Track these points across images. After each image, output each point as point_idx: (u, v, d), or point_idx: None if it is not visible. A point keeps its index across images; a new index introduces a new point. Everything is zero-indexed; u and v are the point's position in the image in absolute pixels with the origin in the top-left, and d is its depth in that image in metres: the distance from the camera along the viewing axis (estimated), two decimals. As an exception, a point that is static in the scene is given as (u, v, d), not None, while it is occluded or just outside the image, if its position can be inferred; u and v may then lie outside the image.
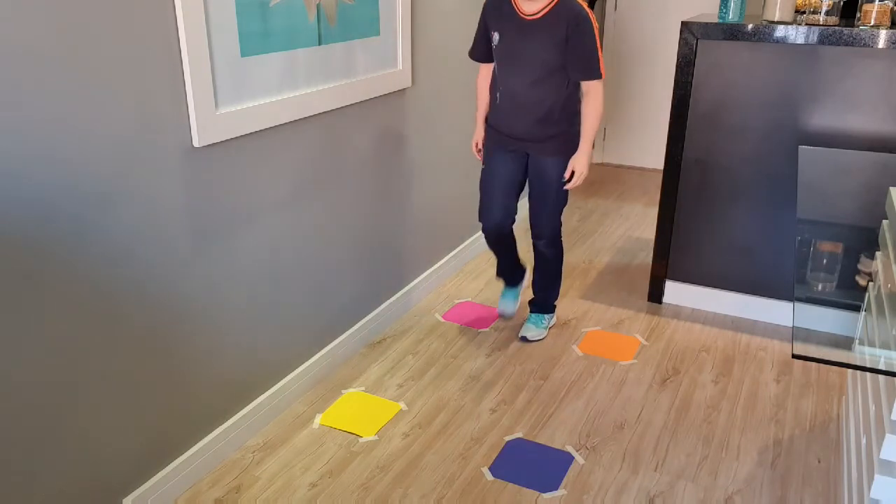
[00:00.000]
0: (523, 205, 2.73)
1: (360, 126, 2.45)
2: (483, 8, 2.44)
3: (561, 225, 2.60)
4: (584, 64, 2.32)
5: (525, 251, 2.80)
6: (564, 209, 2.57)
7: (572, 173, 2.42)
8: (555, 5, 2.27)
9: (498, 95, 2.45)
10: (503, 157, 2.51)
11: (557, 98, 2.37)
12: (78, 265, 1.58)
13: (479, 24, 2.46)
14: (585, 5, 2.28)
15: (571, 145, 2.44)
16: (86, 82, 1.52)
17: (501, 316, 2.86)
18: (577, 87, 2.41)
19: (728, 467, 2.09)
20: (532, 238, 2.63)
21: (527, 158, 2.51)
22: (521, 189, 2.59)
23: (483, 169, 2.58)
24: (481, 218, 2.61)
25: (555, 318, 2.84)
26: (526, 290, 2.92)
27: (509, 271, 2.80)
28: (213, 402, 2.04)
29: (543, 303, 2.76)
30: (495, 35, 2.38)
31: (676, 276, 3.01)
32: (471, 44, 2.51)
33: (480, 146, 2.59)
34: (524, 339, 2.71)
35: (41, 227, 1.49)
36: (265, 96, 1.99)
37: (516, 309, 2.84)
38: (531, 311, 2.79)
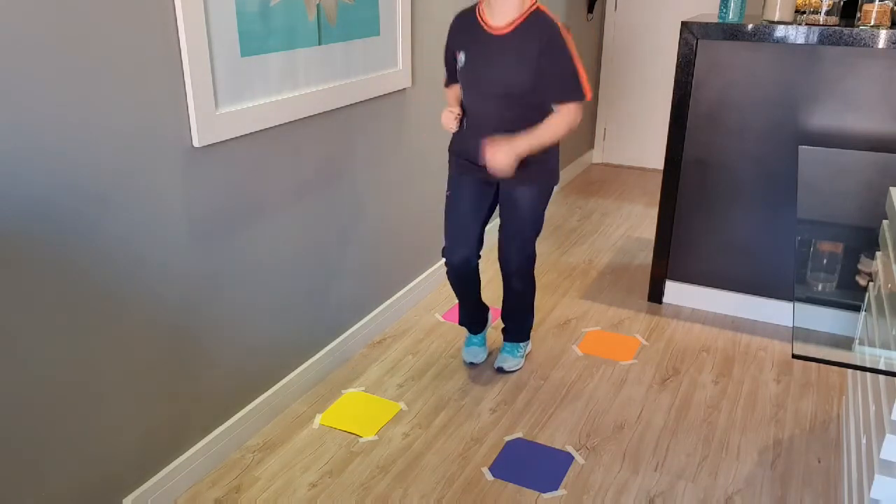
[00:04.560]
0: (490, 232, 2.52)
1: (360, 126, 2.45)
2: (448, 31, 2.23)
3: (534, 258, 2.39)
4: (562, 85, 2.08)
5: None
6: (537, 240, 2.37)
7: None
8: (526, 18, 2.06)
9: (464, 121, 2.23)
10: (470, 184, 2.29)
11: (530, 122, 2.12)
12: (77, 265, 1.58)
13: (446, 51, 2.27)
14: (558, 20, 2.08)
15: (546, 172, 2.24)
16: (86, 82, 1.52)
17: (469, 365, 2.58)
18: (552, 109, 2.17)
19: (728, 467, 2.09)
20: (501, 271, 2.41)
21: (496, 186, 2.29)
22: (489, 218, 2.36)
23: (448, 196, 2.35)
24: (446, 252, 2.35)
25: (530, 345, 2.65)
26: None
27: (474, 316, 2.55)
28: (213, 402, 2.04)
29: (517, 332, 2.56)
30: (461, 55, 2.15)
31: (676, 276, 3.01)
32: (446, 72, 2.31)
33: (457, 112, 2.22)
34: (500, 370, 2.52)
35: (42, 226, 1.49)
36: (265, 96, 1.99)
37: (485, 355, 2.59)
38: (505, 340, 2.58)
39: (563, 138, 2.17)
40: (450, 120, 2.22)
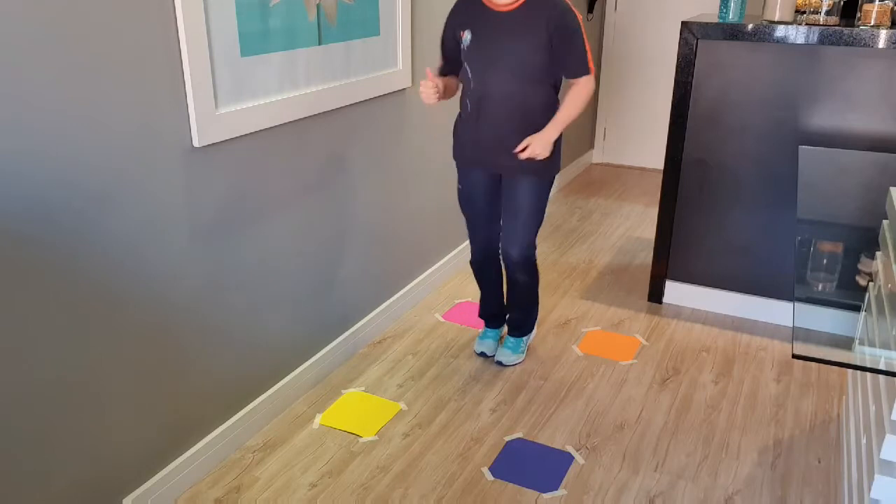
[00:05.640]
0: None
1: (360, 126, 2.45)
2: (449, 15, 2.24)
3: (535, 249, 2.39)
4: (575, 60, 2.12)
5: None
6: (539, 231, 2.40)
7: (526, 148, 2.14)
8: None
9: (468, 103, 2.23)
10: (479, 175, 2.32)
11: (537, 102, 2.16)
12: (77, 264, 1.58)
13: (444, 35, 2.26)
14: None
15: (549, 163, 2.24)
16: (85, 82, 1.52)
17: (481, 355, 2.61)
18: (558, 91, 2.22)
19: (728, 467, 2.09)
20: (504, 263, 2.42)
21: (500, 176, 2.32)
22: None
23: (459, 190, 2.41)
24: (470, 242, 2.49)
25: (534, 334, 2.69)
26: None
27: (494, 308, 2.61)
28: (213, 402, 2.04)
29: (521, 325, 2.57)
30: (466, 34, 2.16)
31: (676, 276, 3.01)
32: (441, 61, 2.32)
33: (433, 75, 2.20)
34: (499, 363, 2.55)
35: (42, 226, 1.49)
36: (265, 96, 1.99)
37: (496, 350, 2.61)
38: (508, 334, 2.60)
39: (582, 110, 2.21)
40: (428, 89, 2.16)
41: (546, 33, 2.07)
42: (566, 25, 2.07)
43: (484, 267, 2.52)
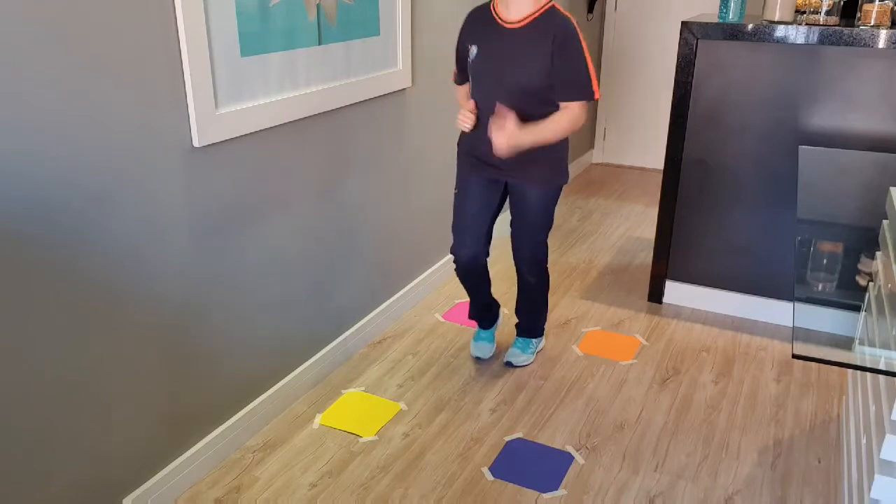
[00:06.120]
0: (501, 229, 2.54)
1: (360, 126, 2.45)
2: (462, 27, 2.25)
3: (546, 251, 2.41)
4: (572, 84, 2.09)
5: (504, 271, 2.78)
6: (550, 233, 2.39)
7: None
8: (540, 15, 2.07)
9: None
10: (478, 182, 2.30)
11: (541, 116, 2.12)
12: (77, 265, 1.58)
13: (458, 46, 2.27)
14: (573, 19, 2.09)
15: (556, 173, 2.25)
16: (86, 82, 1.52)
17: (477, 360, 2.60)
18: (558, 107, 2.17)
19: (728, 467, 2.09)
20: (515, 263, 2.43)
21: (504, 184, 2.31)
22: (497, 215, 2.38)
23: (456, 194, 2.37)
24: (455, 249, 2.38)
25: (543, 342, 2.67)
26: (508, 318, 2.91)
27: (483, 311, 2.57)
28: (213, 403, 2.04)
29: (530, 328, 2.58)
30: (473, 48, 2.16)
31: (676, 276, 3.01)
32: (455, 69, 2.34)
33: (472, 108, 2.23)
34: (509, 364, 2.54)
35: (43, 226, 1.49)
36: (265, 96, 1.99)
37: (493, 351, 2.62)
38: (518, 335, 2.61)
39: (565, 136, 2.17)
40: (466, 119, 2.22)
41: (550, 52, 2.06)
42: (567, 48, 2.04)
43: (470, 273, 2.43)
